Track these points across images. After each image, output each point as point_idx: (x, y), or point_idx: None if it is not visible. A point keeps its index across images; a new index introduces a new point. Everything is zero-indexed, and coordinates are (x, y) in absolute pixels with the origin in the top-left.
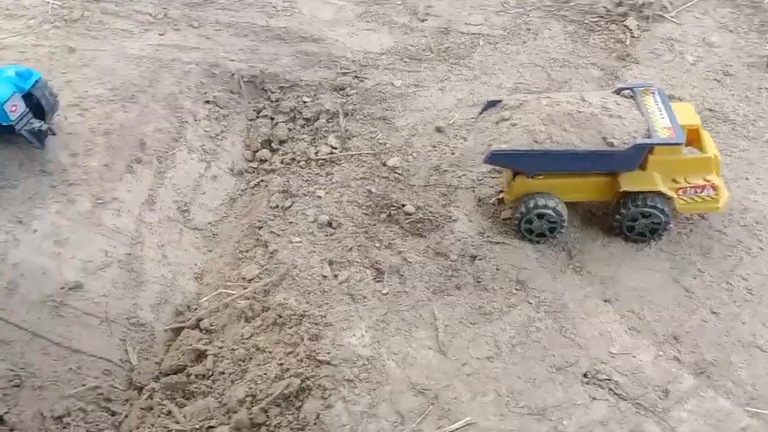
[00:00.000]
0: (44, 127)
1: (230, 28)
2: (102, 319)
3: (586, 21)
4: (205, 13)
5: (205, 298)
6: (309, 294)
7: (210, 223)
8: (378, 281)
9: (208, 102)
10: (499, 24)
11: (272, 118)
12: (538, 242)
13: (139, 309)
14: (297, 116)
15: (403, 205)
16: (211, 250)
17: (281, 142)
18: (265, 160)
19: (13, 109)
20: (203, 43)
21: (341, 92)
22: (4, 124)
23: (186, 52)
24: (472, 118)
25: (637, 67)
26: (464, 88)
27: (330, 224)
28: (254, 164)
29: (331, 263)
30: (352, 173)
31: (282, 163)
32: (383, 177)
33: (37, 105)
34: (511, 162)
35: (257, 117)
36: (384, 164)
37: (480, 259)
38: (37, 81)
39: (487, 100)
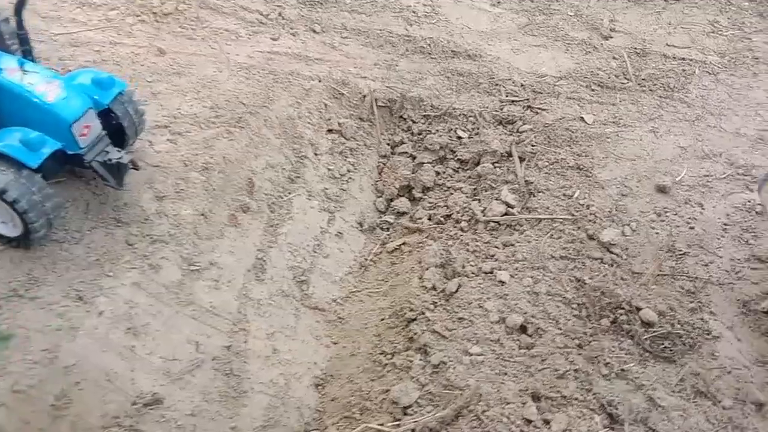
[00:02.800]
0: (125, 159)
1: (360, 35)
2: None
3: None
4: (328, 15)
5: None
6: None
7: (335, 301)
8: None
9: (331, 131)
10: (712, 48)
11: (414, 157)
12: None
13: None
14: (449, 156)
15: (638, 308)
16: (336, 343)
17: (427, 190)
18: (405, 213)
19: (86, 131)
20: (328, 53)
21: (511, 127)
22: (71, 152)
23: (307, 63)
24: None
25: None
26: (687, 132)
27: (525, 329)
28: (390, 218)
29: (536, 397)
30: (546, 248)
31: (432, 220)
32: (595, 258)
33: (117, 126)
34: None
35: (393, 154)
36: (592, 237)
37: None
38: (120, 93)
39: None
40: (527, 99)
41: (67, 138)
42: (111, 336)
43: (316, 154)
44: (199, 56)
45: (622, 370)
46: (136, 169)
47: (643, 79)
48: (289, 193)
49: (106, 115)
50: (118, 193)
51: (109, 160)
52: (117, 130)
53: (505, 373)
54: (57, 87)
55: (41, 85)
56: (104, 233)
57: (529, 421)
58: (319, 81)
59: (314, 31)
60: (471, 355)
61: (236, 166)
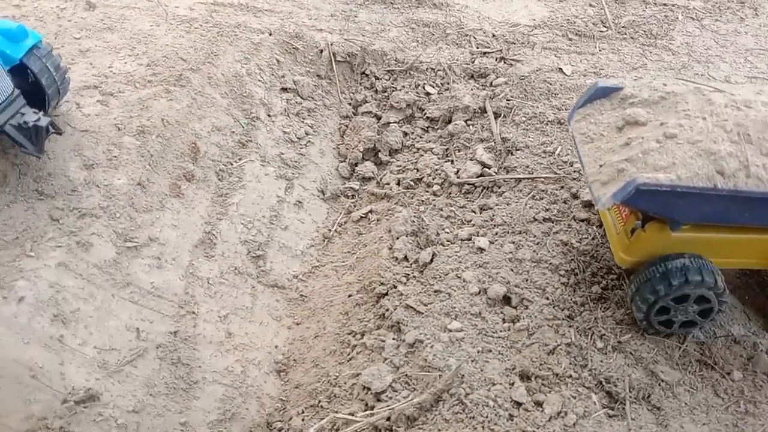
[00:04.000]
0: (43, 122)
1: None
2: None
3: None
4: None
5: (311, 426)
6: None
7: (296, 277)
8: (614, 416)
9: (285, 90)
10: None
11: (379, 117)
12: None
13: None
14: (417, 115)
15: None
16: (299, 323)
17: (394, 153)
18: (371, 178)
19: None
20: (279, 4)
21: (483, 81)
22: None
23: (255, 15)
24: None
25: None
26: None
27: (509, 301)
28: (355, 184)
29: (525, 377)
30: (528, 210)
31: (401, 185)
32: (581, 219)
33: (34, 85)
34: (665, 206)
35: (356, 114)
36: (576, 197)
37: None
38: (35, 46)
39: (596, 86)
40: (500, 50)
41: None
42: (34, 325)
43: (269, 116)
44: (133, 9)
45: (619, 342)
46: (58, 133)
47: (623, 27)
48: (240, 159)
49: (20, 73)
50: (41, 162)
51: (25, 123)
52: (35, 90)
53: (489, 351)
54: None
55: None
56: (24, 207)
57: (519, 404)
58: (270, 34)
59: None
60: (450, 331)
61: (177, 129)
